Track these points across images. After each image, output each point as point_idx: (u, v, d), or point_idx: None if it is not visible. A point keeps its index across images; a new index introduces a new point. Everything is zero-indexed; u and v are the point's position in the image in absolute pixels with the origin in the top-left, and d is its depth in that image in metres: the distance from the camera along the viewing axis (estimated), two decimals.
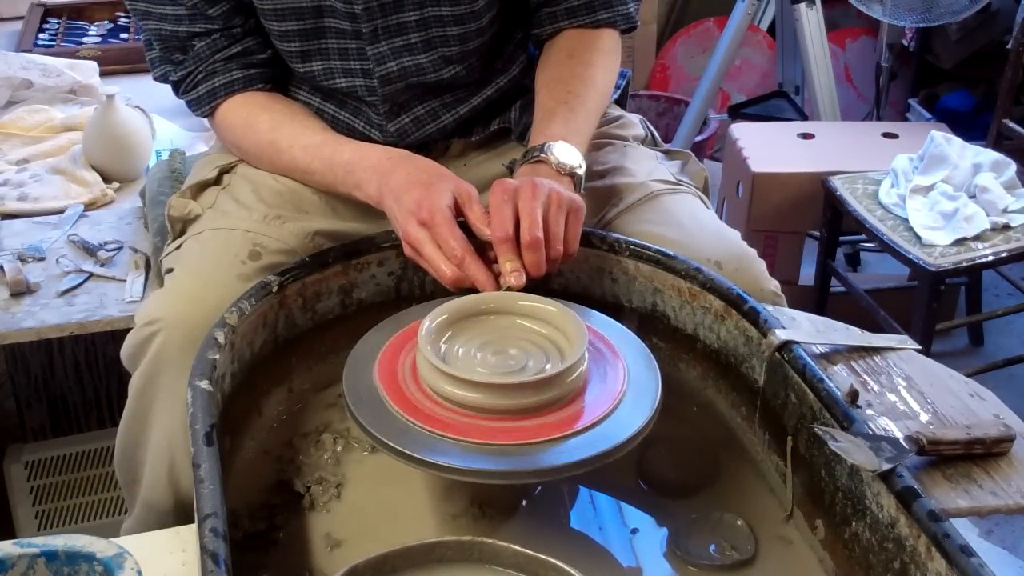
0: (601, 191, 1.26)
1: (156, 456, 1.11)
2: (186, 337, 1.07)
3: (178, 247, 1.22)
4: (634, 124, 1.40)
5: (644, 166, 1.30)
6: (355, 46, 1.23)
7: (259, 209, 1.21)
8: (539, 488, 1.03)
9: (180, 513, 1.11)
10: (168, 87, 1.29)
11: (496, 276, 1.04)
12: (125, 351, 1.13)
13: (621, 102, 1.45)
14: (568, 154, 1.15)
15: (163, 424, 1.10)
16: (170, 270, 1.19)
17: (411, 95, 1.27)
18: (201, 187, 1.28)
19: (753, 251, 1.20)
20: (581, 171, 1.15)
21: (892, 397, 1.01)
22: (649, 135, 1.40)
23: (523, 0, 1.30)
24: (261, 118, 1.25)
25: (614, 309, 1.18)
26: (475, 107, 1.30)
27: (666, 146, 1.42)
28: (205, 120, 1.33)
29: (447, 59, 1.25)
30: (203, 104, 1.26)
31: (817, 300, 2.49)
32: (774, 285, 1.20)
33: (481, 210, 1.07)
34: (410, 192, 1.07)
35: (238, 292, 1.09)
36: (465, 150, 1.34)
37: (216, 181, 1.28)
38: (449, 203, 1.05)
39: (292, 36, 1.22)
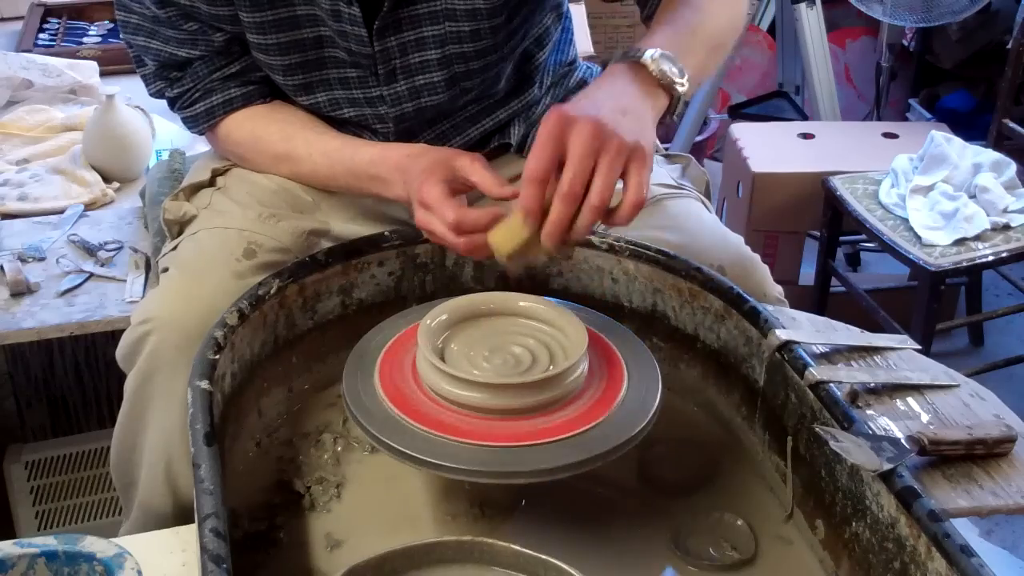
0: None
1: (153, 458, 1.10)
2: (182, 335, 1.06)
3: (174, 248, 1.21)
4: None
5: None
6: (356, 75, 1.20)
7: (254, 208, 1.21)
8: (539, 488, 1.03)
9: (179, 515, 1.10)
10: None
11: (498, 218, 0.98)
12: (120, 351, 1.12)
13: None
14: (668, 63, 0.99)
15: (160, 424, 1.09)
16: (166, 270, 1.18)
17: (422, 121, 1.25)
18: (195, 189, 1.28)
19: (756, 256, 1.20)
20: (683, 87, 0.99)
21: (892, 397, 1.01)
22: None
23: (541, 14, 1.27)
24: (270, 130, 1.24)
25: (614, 309, 1.18)
26: (485, 128, 1.29)
27: (665, 150, 1.41)
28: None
29: (465, 90, 1.23)
30: (200, 122, 1.25)
31: (817, 300, 2.49)
32: (778, 291, 1.19)
33: (486, 173, 1.05)
34: (419, 184, 1.07)
35: (233, 289, 1.08)
36: None
37: (210, 183, 1.28)
38: (444, 178, 1.05)
39: (295, 70, 1.19)
